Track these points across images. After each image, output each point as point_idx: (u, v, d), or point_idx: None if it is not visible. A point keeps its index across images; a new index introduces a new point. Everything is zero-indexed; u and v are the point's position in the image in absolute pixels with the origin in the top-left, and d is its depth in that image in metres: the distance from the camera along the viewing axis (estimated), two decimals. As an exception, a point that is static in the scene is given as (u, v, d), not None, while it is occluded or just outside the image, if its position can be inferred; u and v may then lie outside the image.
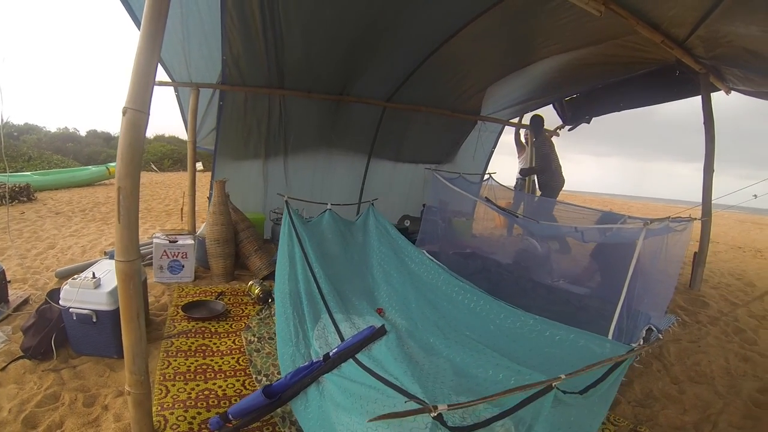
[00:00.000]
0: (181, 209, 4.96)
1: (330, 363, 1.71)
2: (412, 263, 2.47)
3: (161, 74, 4.14)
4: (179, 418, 1.84)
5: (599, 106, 5.67)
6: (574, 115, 5.83)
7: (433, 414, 0.99)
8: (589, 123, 5.89)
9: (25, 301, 2.90)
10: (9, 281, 2.95)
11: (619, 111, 5.61)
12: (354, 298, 2.21)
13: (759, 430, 2.27)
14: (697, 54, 3.91)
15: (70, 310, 2.26)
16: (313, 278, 2.21)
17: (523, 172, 6.18)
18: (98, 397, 2.02)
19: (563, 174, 5.74)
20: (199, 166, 11.71)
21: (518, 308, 2.10)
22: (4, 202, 5.86)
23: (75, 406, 1.95)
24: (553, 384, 1.19)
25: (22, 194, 6.98)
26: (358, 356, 1.72)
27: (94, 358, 2.31)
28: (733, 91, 4.71)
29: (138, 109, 1.55)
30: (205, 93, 4.25)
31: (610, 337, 2.51)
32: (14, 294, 2.96)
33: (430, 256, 3.55)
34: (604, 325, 2.64)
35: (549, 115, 6.05)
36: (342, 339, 1.91)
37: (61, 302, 2.30)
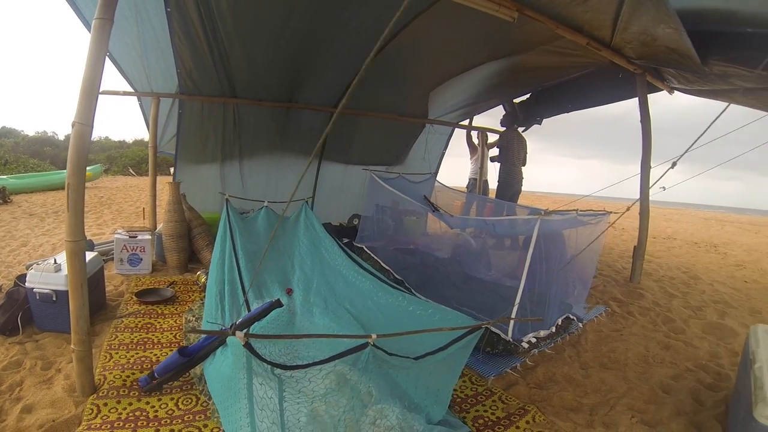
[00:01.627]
0: (143, 209, 5.62)
1: (234, 329, 2.30)
2: (326, 252, 3.02)
3: (126, 85, 4.80)
4: (116, 377, 2.37)
5: (548, 108, 6.23)
6: (525, 117, 6.42)
7: (241, 341, 1.35)
8: (540, 124, 6.49)
9: (-2, 289, 3.51)
10: (-17, 272, 3.57)
11: (567, 112, 6.16)
12: (270, 282, 2.80)
13: (660, 414, 2.37)
14: (628, 54, 4.19)
15: (34, 290, 2.78)
16: (237, 267, 2.81)
17: (492, 159, 6.71)
18: (54, 364, 2.52)
19: (519, 174, 6.19)
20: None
21: (401, 289, 2.58)
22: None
23: (34, 369, 2.44)
24: (369, 341, 1.49)
25: (-2, 197, 7.67)
26: (256, 323, 2.30)
27: (54, 334, 2.81)
28: (675, 91, 5.27)
29: (83, 123, 2.09)
30: (167, 101, 4.85)
31: (511, 323, 2.88)
32: (-13, 283, 3.57)
33: (368, 249, 4.13)
34: (520, 313, 2.95)
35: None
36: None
37: (26, 284, 2.82)
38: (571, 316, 3.53)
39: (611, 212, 3.90)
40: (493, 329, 2.89)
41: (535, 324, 3.14)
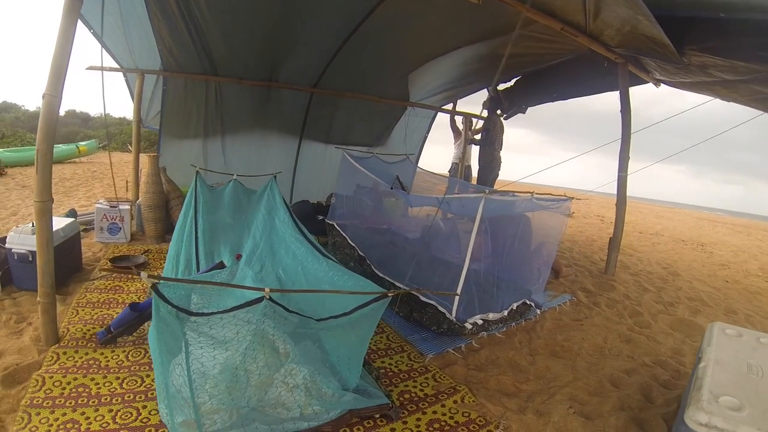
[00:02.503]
0: (126, 182, 6.04)
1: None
2: (279, 222, 3.27)
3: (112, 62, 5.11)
4: (78, 330, 2.68)
5: (533, 97, 6.39)
6: (511, 105, 6.61)
7: (152, 284, 1.48)
8: (524, 113, 6.68)
9: (-15, 254, 3.87)
10: (-27, 238, 3.94)
11: (552, 101, 6.33)
12: (223, 248, 3.17)
13: (602, 407, 2.33)
14: (606, 42, 4.19)
15: (13, 250, 3.09)
16: (195, 234, 3.14)
17: (470, 141, 7.02)
18: (27, 318, 2.83)
19: (499, 158, 6.38)
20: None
21: (330, 257, 2.71)
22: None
23: (9, 323, 2.76)
24: (265, 295, 1.61)
25: (-7, 169, 8.15)
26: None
27: (31, 292, 3.08)
28: (671, 87, 5.33)
29: (52, 95, 2.38)
30: (152, 77, 5.14)
31: (455, 302, 2.95)
32: (-25, 248, 3.93)
33: (338, 226, 4.41)
34: (465, 291, 2.98)
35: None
36: (198, 272, 2.83)
37: (6, 245, 3.13)
38: (529, 302, 3.57)
39: (573, 198, 4.01)
40: (439, 308, 3.00)
41: (484, 306, 3.14)
